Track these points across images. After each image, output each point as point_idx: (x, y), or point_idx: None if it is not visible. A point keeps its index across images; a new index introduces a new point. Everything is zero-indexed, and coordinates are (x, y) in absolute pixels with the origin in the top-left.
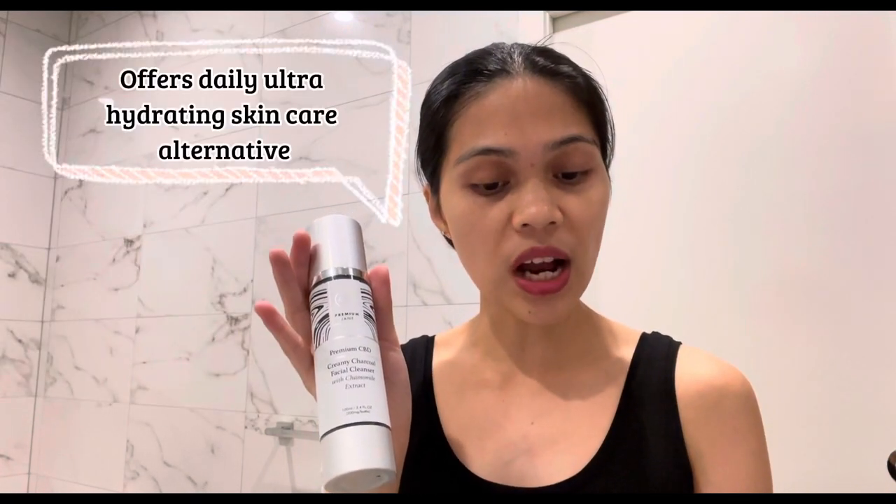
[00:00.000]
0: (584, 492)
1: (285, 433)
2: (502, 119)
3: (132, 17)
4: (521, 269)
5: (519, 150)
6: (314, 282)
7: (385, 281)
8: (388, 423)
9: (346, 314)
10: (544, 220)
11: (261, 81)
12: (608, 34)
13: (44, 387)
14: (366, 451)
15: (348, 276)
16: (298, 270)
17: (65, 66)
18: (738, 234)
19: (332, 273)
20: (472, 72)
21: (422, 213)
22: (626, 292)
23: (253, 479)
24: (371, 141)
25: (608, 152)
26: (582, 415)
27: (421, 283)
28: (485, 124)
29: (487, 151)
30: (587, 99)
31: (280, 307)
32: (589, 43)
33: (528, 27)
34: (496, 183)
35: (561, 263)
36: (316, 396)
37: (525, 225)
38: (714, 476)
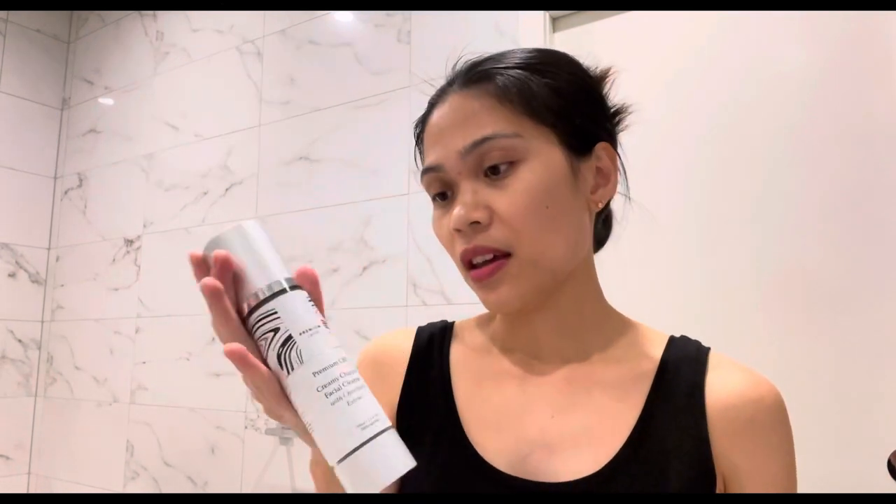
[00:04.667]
0: (604, 489)
1: (285, 433)
2: (432, 139)
3: (132, 17)
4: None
5: (443, 162)
6: (252, 305)
7: (316, 281)
8: (391, 422)
9: (309, 330)
10: (464, 222)
11: (261, 81)
12: (608, 34)
13: (44, 387)
14: (393, 459)
15: (287, 290)
16: (228, 294)
17: (65, 66)
18: (742, 234)
19: (271, 290)
20: (435, 96)
21: (422, 213)
22: (636, 292)
23: (253, 479)
24: (371, 141)
25: (575, 129)
26: (605, 412)
27: (421, 283)
28: (426, 146)
29: (426, 171)
30: (516, 93)
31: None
32: (589, 43)
33: (528, 27)
34: (445, 197)
35: (503, 256)
36: (292, 422)
37: (456, 230)
38: (751, 489)
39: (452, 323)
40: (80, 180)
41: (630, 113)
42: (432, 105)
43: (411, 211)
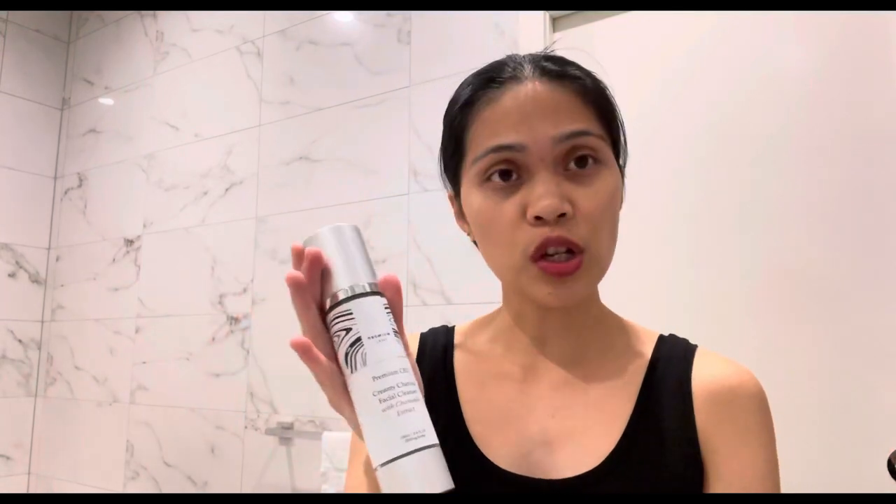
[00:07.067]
0: (601, 484)
1: (285, 433)
2: (513, 119)
3: (132, 17)
4: (539, 257)
5: (529, 144)
6: (333, 302)
7: (398, 290)
8: (437, 440)
9: (378, 335)
10: (554, 212)
11: (261, 81)
12: (608, 34)
13: (44, 387)
14: (430, 476)
15: (368, 293)
16: (312, 289)
17: (65, 66)
18: (739, 234)
19: (352, 291)
20: (486, 80)
21: (422, 213)
22: (630, 292)
23: (253, 479)
24: (371, 141)
25: (620, 152)
26: (601, 409)
27: (421, 283)
28: (497, 125)
29: (500, 149)
30: (595, 99)
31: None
32: (589, 43)
33: (528, 27)
34: (509, 178)
35: (573, 252)
36: (349, 417)
37: (538, 217)
38: (726, 472)
39: (453, 327)
40: (80, 180)
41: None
42: (491, 86)
43: (411, 211)
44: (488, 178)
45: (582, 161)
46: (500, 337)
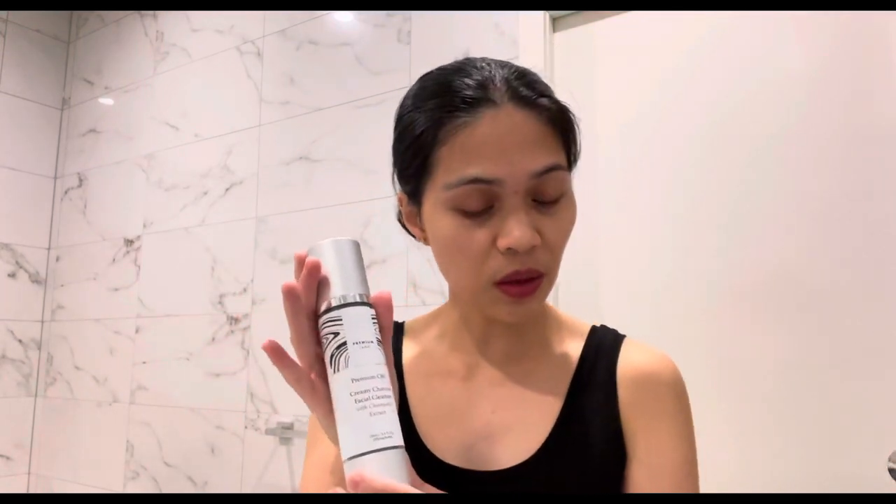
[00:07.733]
0: (537, 472)
1: (285, 433)
2: (491, 150)
3: (132, 17)
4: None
5: (506, 178)
6: (325, 308)
7: (390, 307)
8: (403, 443)
9: (363, 342)
10: (527, 246)
11: (261, 81)
12: (608, 34)
13: (44, 387)
14: (392, 474)
15: (358, 303)
16: (307, 296)
17: (65, 66)
18: (738, 234)
19: (343, 300)
20: (454, 97)
21: None
22: (629, 291)
23: (253, 479)
24: (371, 141)
25: (573, 167)
26: (535, 403)
27: (421, 283)
28: (473, 155)
29: (477, 181)
30: (562, 127)
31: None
32: (589, 43)
33: (528, 27)
34: (482, 207)
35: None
36: (320, 416)
37: (509, 248)
38: (641, 451)
39: (402, 323)
40: (80, 180)
41: None
42: (461, 106)
43: None
44: (461, 207)
45: (550, 195)
46: (447, 335)
